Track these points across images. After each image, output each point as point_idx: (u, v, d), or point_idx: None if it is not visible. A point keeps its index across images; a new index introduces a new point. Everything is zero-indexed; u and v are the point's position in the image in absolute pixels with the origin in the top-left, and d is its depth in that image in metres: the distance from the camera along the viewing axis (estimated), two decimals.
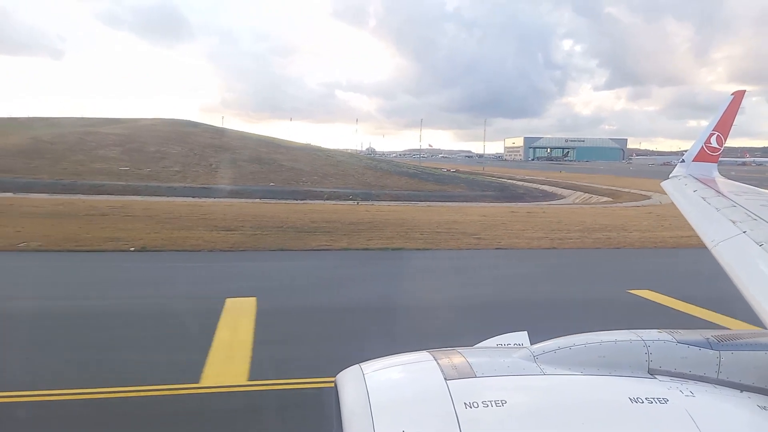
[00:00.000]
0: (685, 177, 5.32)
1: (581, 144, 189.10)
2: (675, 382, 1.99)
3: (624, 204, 40.84)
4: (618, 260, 18.61)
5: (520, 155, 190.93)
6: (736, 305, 2.97)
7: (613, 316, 10.90)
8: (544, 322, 8.75)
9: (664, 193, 5.54)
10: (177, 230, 20.48)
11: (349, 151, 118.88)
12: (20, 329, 9.55)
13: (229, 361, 8.21)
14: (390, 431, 1.74)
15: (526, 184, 58.09)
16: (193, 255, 16.92)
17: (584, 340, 2.15)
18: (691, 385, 1.98)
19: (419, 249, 18.59)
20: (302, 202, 36.39)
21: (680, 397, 1.89)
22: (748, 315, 2.62)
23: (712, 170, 5.44)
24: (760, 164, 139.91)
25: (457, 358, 2.07)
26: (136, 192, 38.75)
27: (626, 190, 52.66)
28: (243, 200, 36.21)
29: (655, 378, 2.03)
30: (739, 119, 5.78)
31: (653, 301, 12.42)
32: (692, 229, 3.96)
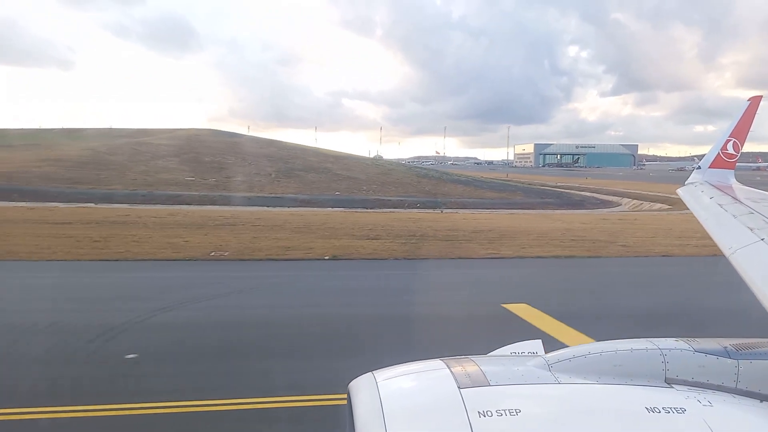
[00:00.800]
0: (701, 184, 5.18)
1: (592, 150, 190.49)
2: (692, 392, 1.95)
3: (685, 211, 41.51)
4: None
5: (530, 162, 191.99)
6: None
7: None
8: None
9: None
10: (334, 239, 20.93)
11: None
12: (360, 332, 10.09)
13: None
14: None
15: (572, 191, 58.86)
16: (385, 263, 17.26)
17: (600, 348, 2.15)
18: (709, 395, 1.93)
19: (589, 257, 19.08)
20: (377, 210, 36.75)
21: (698, 406, 1.85)
22: None
23: (728, 177, 5.30)
24: None
25: (470, 366, 2.06)
26: (212, 202, 39.15)
27: (669, 196, 53.53)
28: (320, 209, 36.65)
29: (672, 387, 1.99)
30: None
31: None
32: None
